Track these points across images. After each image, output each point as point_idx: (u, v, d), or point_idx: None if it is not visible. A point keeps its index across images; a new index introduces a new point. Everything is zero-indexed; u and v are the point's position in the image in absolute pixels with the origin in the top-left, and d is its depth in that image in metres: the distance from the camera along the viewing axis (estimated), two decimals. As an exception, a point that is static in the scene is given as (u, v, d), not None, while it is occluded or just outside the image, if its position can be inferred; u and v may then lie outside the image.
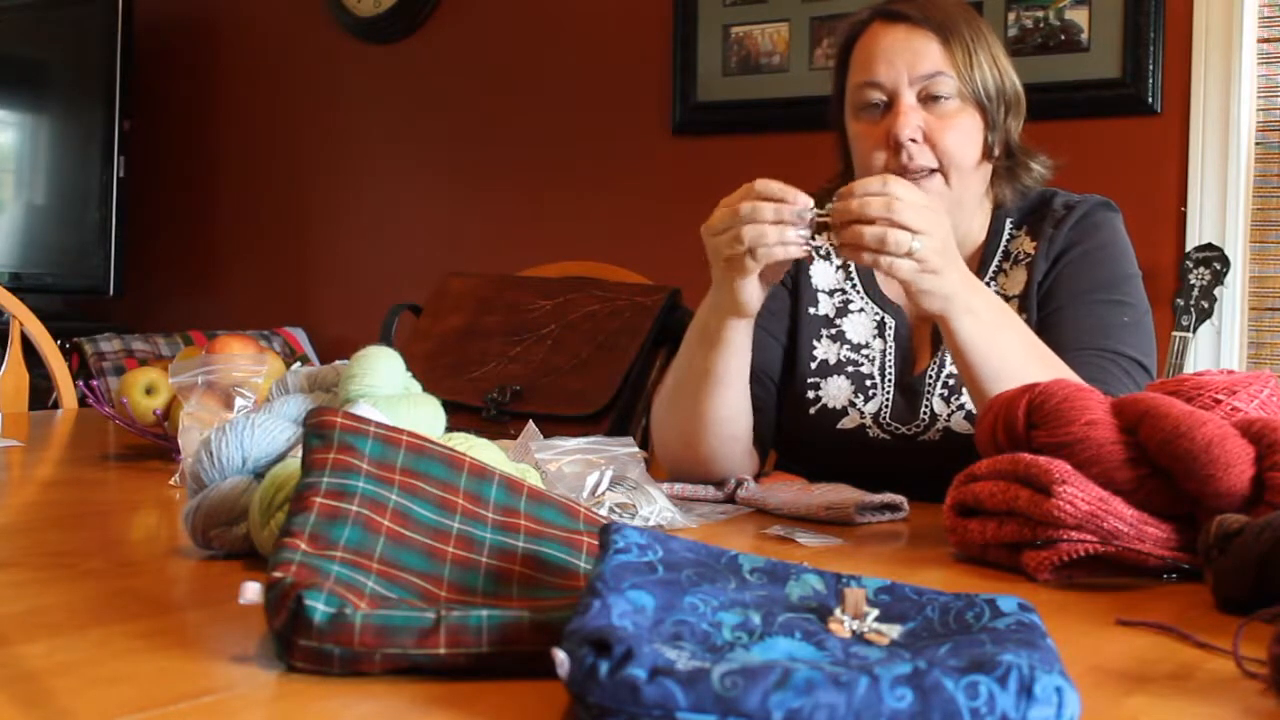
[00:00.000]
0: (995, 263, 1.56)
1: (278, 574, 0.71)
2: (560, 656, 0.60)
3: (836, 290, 1.60)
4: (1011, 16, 2.87)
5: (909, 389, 1.53)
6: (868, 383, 1.54)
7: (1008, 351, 1.32)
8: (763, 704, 0.57)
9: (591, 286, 1.77)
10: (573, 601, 0.68)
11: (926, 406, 1.51)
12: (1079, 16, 2.81)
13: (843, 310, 1.59)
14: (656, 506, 1.20)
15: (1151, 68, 2.73)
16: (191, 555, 1.02)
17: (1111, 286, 1.51)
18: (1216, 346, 2.67)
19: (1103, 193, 1.64)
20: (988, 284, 1.54)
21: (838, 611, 0.69)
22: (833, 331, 1.58)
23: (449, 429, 1.08)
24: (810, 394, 1.56)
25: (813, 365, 1.57)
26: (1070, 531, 0.98)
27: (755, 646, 0.65)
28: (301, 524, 0.76)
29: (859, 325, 1.58)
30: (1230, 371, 1.10)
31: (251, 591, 0.72)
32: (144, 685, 0.69)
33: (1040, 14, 2.84)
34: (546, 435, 1.28)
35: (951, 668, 0.59)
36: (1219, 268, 2.57)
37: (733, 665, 0.58)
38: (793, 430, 1.58)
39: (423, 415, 1.05)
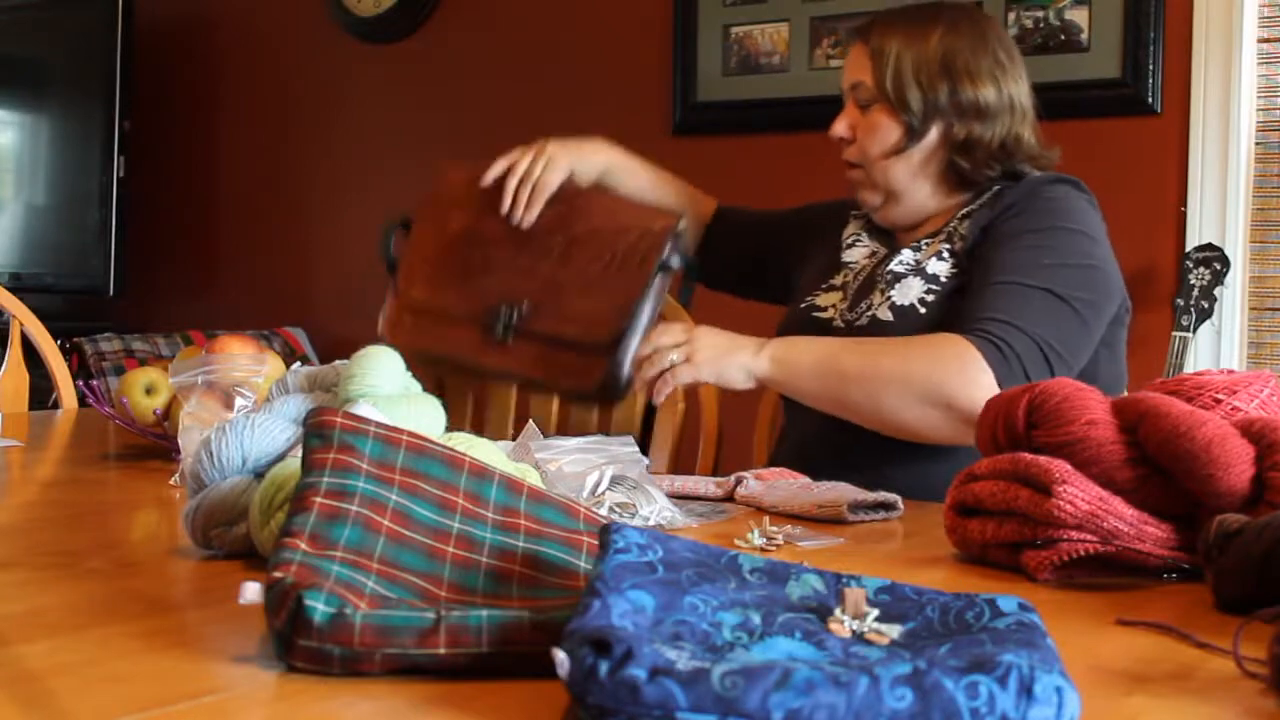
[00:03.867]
0: (961, 213, 1.68)
1: (278, 574, 0.71)
2: (560, 656, 0.60)
3: (852, 234, 1.81)
4: (1011, 16, 2.87)
5: (866, 285, 1.72)
6: (849, 291, 1.74)
7: (845, 362, 1.51)
8: (763, 704, 0.57)
9: (593, 196, 1.74)
10: (573, 601, 0.68)
11: (868, 301, 1.68)
12: (1079, 16, 2.81)
13: (851, 245, 1.80)
14: (656, 506, 1.20)
15: (1151, 68, 2.73)
16: (191, 555, 1.02)
17: (1043, 234, 1.59)
18: (1216, 346, 2.67)
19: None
20: (952, 223, 1.68)
21: (838, 611, 0.69)
22: (841, 260, 1.79)
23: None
24: (809, 297, 1.77)
25: (823, 286, 1.78)
26: (1070, 531, 0.98)
27: (755, 646, 0.65)
28: (301, 524, 0.76)
29: (857, 252, 1.78)
30: (1230, 371, 1.10)
31: (251, 591, 0.72)
32: (144, 685, 0.69)
33: (1040, 14, 2.84)
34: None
35: (951, 668, 0.59)
36: (1219, 268, 2.57)
37: (733, 665, 0.58)
38: (785, 327, 1.77)
39: (423, 415, 1.05)
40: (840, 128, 1.73)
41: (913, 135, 1.67)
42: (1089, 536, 0.98)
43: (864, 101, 1.70)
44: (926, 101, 1.66)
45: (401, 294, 1.67)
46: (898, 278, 1.65)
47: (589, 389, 1.58)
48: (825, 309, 1.74)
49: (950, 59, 1.66)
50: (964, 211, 1.68)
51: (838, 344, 1.56)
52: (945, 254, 1.64)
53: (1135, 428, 1.01)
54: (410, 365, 1.15)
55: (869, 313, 1.65)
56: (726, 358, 1.53)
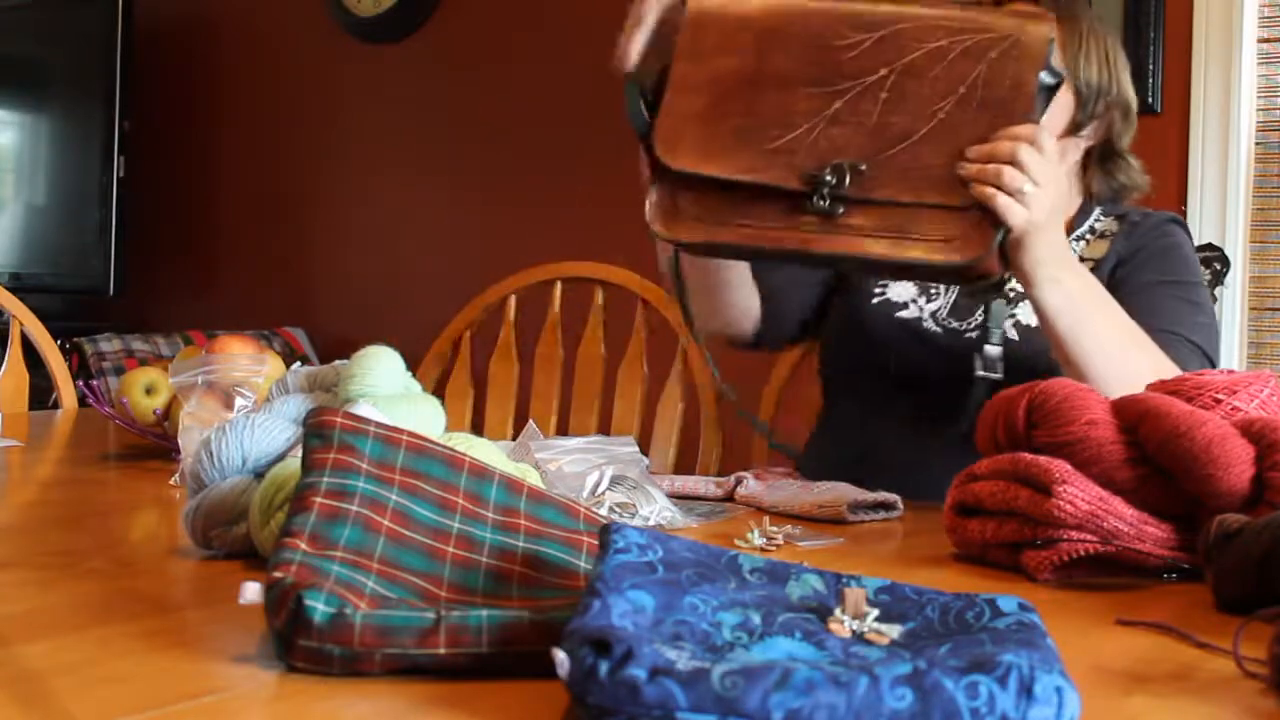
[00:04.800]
0: (1081, 231, 1.65)
1: (278, 574, 0.71)
2: (560, 656, 0.60)
3: None
4: (1011, 16, 2.86)
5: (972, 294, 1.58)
6: (932, 289, 1.65)
7: (1102, 332, 1.36)
8: (763, 704, 0.57)
9: (929, 7, 1.30)
10: (573, 601, 0.68)
11: (984, 308, 1.53)
12: (1079, 16, 2.80)
13: None
14: (656, 506, 1.20)
15: (1151, 68, 2.73)
16: (191, 555, 1.02)
17: (1187, 287, 1.60)
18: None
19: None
20: (1073, 243, 1.63)
21: (838, 611, 0.69)
22: None
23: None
24: (877, 289, 1.67)
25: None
26: (1070, 531, 0.98)
27: (755, 646, 0.65)
28: (301, 524, 0.76)
29: None
30: (1230, 371, 1.10)
31: (251, 591, 0.72)
32: (144, 685, 0.69)
33: (1040, 14, 2.84)
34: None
35: (951, 668, 0.59)
36: (1219, 268, 2.57)
37: (733, 665, 0.58)
38: (849, 316, 1.69)
39: (423, 415, 1.05)
40: None
41: (1086, 117, 1.60)
42: (1089, 536, 0.98)
43: None
44: (1100, 86, 1.60)
45: (662, 169, 1.30)
46: (1021, 296, 1.51)
47: (971, 261, 1.23)
48: (904, 304, 1.65)
49: (1114, 52, 1.62)
50: (1075, 234, 1.63)
51: (1129, 330, 1.38)
52: None
53: (1135, 428, 1.01)
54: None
55: (990, 326, 1.51)
56: (1053, 250, 1.30)
